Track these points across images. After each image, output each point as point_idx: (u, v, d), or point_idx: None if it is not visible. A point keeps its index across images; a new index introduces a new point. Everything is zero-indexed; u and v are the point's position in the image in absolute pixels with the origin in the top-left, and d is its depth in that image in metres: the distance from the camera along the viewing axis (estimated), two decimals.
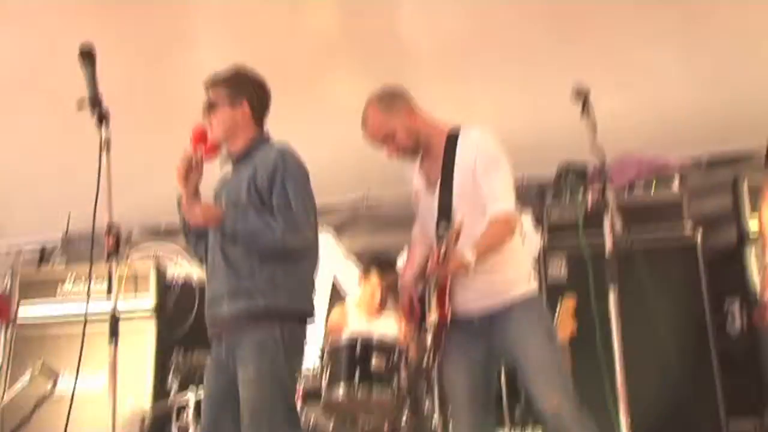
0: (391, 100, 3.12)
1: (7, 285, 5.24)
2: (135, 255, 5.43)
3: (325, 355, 3.97)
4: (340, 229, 5.52)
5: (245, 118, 3.07)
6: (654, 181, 4.39)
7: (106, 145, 2.80)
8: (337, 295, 5.37)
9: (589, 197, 4.27)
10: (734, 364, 4.15)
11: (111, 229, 2.80)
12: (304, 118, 4.43)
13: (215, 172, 3.16)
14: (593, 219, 3.79)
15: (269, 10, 4.73)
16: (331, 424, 4.09)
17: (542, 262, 4.38)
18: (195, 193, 2.93)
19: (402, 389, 3.84)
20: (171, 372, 4.38)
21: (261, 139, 3.11)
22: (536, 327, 2.97)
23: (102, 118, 2.83)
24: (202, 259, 3.14)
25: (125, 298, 4.56)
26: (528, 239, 4.55)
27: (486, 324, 2.99)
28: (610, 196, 3.05)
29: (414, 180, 3.22)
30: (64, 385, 4.72)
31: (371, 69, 4.63)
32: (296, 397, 3.27)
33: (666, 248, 4.22)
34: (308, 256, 3.03)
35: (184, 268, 5.37)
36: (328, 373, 3.87)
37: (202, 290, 4.80)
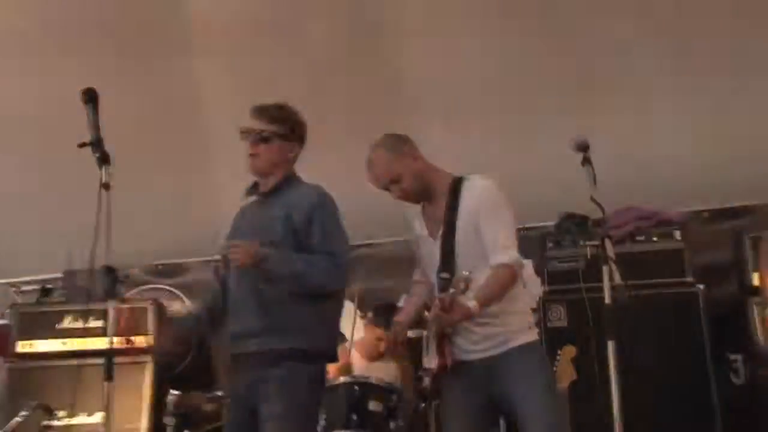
0: (399, 144, 3.17)
1: (6, 320, 5.22)
2: (133, 293, 5.42)
3: (324, 397, 3.94)
4: None
5: (290, 158, 3.18)
6: (655, 232, 4.39)
7: (105, 187, 2.77)
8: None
9: (589, 247, 4.26)
10: (737, 415, 4.12)
11: (109, 267, 2.78)
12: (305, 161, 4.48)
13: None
14: (593, 269, 3.77)
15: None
16: None
17: (542, 309, 4.36)
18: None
19: None
20: (166, 412, 4.33)
21: (292, 177, 3.19)
22: (536, 376, 2.98)
23: (103, 160, 2.82)
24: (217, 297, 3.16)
25: (122, 336, 4.57)
26: (529, 287, 4.54)
27: (486, 371, 3.00)
28: (609, 246, 3.06)
29: (416, 225, 3.23)
30: (59, 423, 4.67)
31: (371, 116, 4.68)
32: None
33: (667, 299, 4.22)
34: (338, 296, 3.13)
35: (182, 307, 5.35)
36: (326, 415, 3.81)
37: (199, 330, 4.82)
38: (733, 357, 4.39)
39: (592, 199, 3.04)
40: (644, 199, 4.52)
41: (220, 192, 4.85)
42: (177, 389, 4.32)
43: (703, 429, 4.02)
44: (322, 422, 3.81)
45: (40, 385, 4.76)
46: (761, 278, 3.70)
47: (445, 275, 2.98)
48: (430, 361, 3.00)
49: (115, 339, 2.85)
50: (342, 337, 5.27)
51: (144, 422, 4.62)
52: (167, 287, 5.45)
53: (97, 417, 4.06)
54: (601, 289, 3.05)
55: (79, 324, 4.86)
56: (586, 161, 3.06)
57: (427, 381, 3.01)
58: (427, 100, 4.86)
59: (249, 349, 2.98)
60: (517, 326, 3.03)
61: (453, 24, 4.71)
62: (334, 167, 4.65)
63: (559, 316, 4.33)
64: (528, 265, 4.76)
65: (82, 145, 2.83)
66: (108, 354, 2.81)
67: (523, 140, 4.82)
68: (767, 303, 3.57)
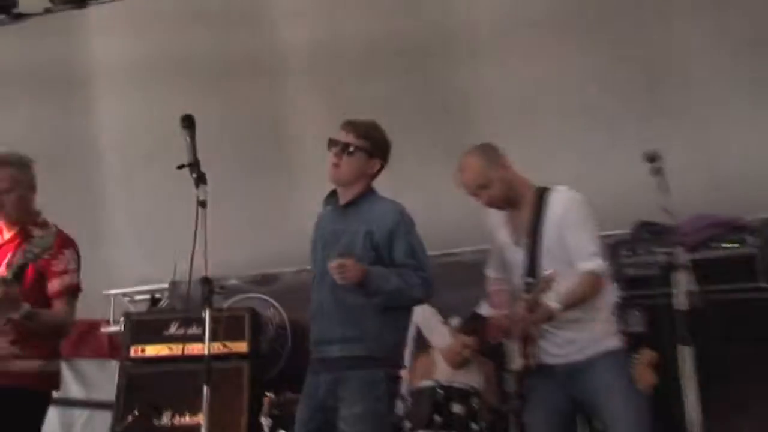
0: (491, 152, 3.25)
1: (120, 327, 5.44)
2: (231, 302, 5.54)
3: (407, 401, 3.99)
4: None
5: (371, 173, 3.25)
6: (729, 239, 4.31)
7: (202, 204, 2.92)
8: (422, 343, 5.23)
9: (662, 254, 4.20)
10: None
11: (206, 278, 2.90)
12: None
13: None
14: (667, 275, 3.70)
15: None
16: None
17: (619, 316, 4.29)
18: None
19: None
20: (262, 413, 4.46)
21: (370, 192, 3.27)
22: (619, 380, 3.03)
23: (199, 180, 2.97)
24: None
25: (221, 342, 4.64)
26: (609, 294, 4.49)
27: (569, 375, 3.06)
28: (682, 253, 3.11)
29: (500, 232, 3.28)
30: (166, 422, 4.82)
31: (442, 126, 4.73)
32: None
33: (741, 304, 4.13)
34: (409, 307, 3.25)
35: (276, 314, 5.46)
36: (410, 418, 3.89)
37: (293, 335, 4.90)
38: None
39: (663, 209, 3.04)
40: (717, 205, 4.45)
41: (311, 206, 5.00)
42: (272, 391, 4.49)
43: None
44: (406, 424, 3.88)
45: (149, 387, 4.94)
46: None
47: (529, 279, 3.02)
48: (514, 363, 3.04)
49: (214, 345, 2.91)
50: (425, 342, 5.33)
51: (242, 422, 4.71)
52: (261, 296, 5.52)
53: (199, 417, 4.23)
54: (675, 295, 3.07)
55: (182, 331, 5.01)
56: (658, 171, 3.08)
57: (511, 382, 3.07)
58: (500, 111, 4.90)
59: (331, 354, 3.09)
60: (600, 332, 3.06)
61: (523, 38, 4.74)
62: (419, 179, 4.78)
63: (635, 322, 4.27)
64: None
65: (181, 167, 2.97)
66: (207, 359, 2.89)
67: (596, 150, 4.80)
68: None
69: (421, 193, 4.70)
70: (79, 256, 3.51)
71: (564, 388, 3.03)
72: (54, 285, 3.40)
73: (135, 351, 5.11)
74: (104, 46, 6.02)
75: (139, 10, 5.81)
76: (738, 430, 3.85)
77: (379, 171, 3.29)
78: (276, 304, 5.44)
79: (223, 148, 5.06)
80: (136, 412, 4.86)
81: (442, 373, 4.51)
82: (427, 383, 4.03)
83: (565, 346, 3.02)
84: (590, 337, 3.03)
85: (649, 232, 4.35)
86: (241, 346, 4.93)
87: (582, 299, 2.97)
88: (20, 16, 6.05)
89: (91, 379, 5.94)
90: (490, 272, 3.39)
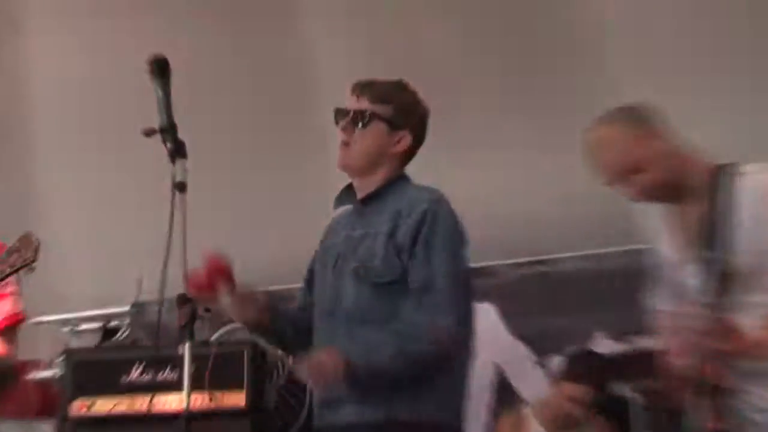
0: (642, 121, 3.11)
1: (58, 371, 5.50)
2: (223, 332, 5.50)
3: None
4: (503, 300, 5.49)
5: (398, 152, 3.19)
6: None
7: (179, 187, 2.70)
8: (505, 396, 5.27)
9: None
10: None
11: (183, 296, 2.71)
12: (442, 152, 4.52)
13: None
14: None
15: None
16: None
17: None
18: None
19: None
20: None
21: (400, 178, 3.22)
22: None
23: (176, 153, 2.75)
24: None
25: (207, 391, 4.62)
26: None
27: None
28: None
29: (661, 237, 3.20)
30: None
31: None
32: None
33: None
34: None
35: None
36: None
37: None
38: None
39: None
40: None
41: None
42: None
43: None
44: None
45: None
46: None
47: (710, 301, 2.89)
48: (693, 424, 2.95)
49: (197, 396, 2.79)
50: (512, 393, 5.25)
51: None
52: None
53: None
54: None
55: (149, 376, 4.96)
56: None
57: None
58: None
59: (340, 421, 3.01)
60: None
61: None
62: (501, 163, 4.77)
63: None
64: None
65: (150, 133, 2.79)
66: (185, 416, 2.70)
67: None
68: None
69: (498, 173, 4.78)
70: None
71: None
72: None
73: (79, 407, 5.04)
74: None
75: None
76: None
77: (412, 150, 3.23)
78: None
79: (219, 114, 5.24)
80: None
81: None
82: None
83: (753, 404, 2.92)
84: None
85: None
86: (238, 398, 4.84)
87: None
88: None
89: None
90: (655, 302, 3.24)
